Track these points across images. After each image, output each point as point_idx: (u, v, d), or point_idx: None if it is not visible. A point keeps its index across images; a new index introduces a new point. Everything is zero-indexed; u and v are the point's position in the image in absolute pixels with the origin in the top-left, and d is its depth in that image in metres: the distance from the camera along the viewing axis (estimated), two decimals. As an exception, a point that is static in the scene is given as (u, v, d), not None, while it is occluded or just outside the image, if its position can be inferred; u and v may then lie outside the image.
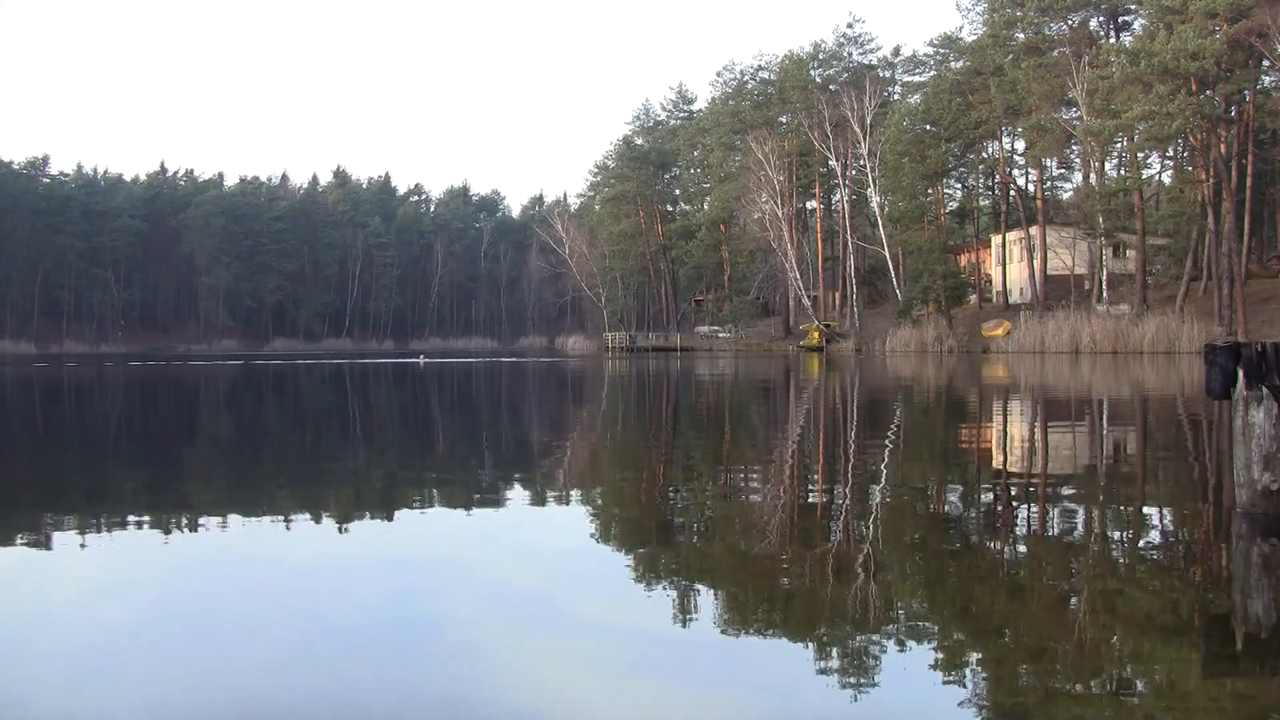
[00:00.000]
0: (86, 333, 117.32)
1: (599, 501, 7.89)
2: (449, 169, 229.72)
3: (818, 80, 77.43)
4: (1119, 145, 57.62)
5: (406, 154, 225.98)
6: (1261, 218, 57.16)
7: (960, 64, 68.22)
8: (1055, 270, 59.92)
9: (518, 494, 8.25)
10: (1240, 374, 6.16)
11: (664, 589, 5.03)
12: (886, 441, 12.17)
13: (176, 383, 31.26)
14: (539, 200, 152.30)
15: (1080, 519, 6.91)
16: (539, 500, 7.92)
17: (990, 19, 64.01)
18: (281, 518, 7.09)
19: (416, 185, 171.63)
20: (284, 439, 13.88)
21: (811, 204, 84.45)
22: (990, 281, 69.96)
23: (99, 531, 6.53)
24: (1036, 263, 60.35)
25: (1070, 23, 60.87)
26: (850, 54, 79.87)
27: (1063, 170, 71.98)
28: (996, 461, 10.20)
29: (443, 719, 3.39)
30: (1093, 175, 58.54)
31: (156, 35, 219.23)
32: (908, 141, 63.88)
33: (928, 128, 64.78)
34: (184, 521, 6.96)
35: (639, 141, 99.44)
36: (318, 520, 7.01)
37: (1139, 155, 55.08)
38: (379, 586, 5.14)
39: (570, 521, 6.89)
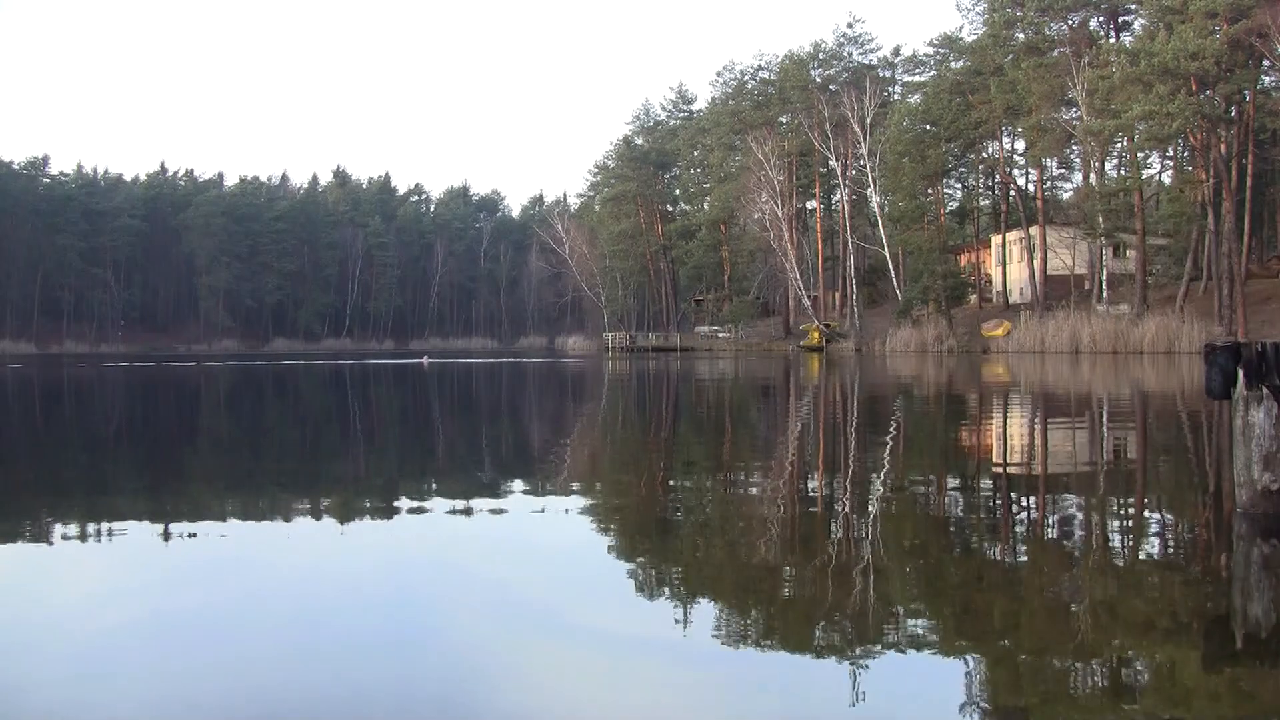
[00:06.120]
0: (86, 333, 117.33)
1: (599, 503, 7.88)
2: (449, 169, 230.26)
3: (818, 80, 77.48)
4: (1119, 145, 57.65)
5: (406, 154, 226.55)
6: (1261, 218, 57.18)
7: (960, 64, 68.26)
8: (1055, 270, 59.94)
9: (519, 495, 8.24)
10: (1240, 374, 6.16)
11: (664, 591, 5.03)
12: (887, 441, 12.16)
13: (150, 387, 31.22)
14: (539, 200, 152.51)
15: (1080, 519, 6.91)
16: (540, 502, 7.90)
17: (990, 19, 64.03)
18: (282, 521, 7.09)
19: (416, 185, 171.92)
20: (297, 459, 13.83)
21: (811, 204, 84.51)
22: (990, 281, 69.98)
23: (66, 538, 6.52)
24: (1036, 263, 60.37)
25: (1070, 23, 60.90)
26: (850, 54, 79.98)
27: (1063, 170, 72.18)
28: (996, 462, 10.20)
29: None
30: (1093, 175, 58.60)
31: (156, 35, 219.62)
32: (908, 141, 63.90)
33: (928, 128, 64.81)
34: (179, 525, 6.95)
35: (639, 141, 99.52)
36: (318, 521, 7.01)
37: (1139, 155, 55.09)
38: (379, 588, 5.13)
39: (571, 523, 6.89)
